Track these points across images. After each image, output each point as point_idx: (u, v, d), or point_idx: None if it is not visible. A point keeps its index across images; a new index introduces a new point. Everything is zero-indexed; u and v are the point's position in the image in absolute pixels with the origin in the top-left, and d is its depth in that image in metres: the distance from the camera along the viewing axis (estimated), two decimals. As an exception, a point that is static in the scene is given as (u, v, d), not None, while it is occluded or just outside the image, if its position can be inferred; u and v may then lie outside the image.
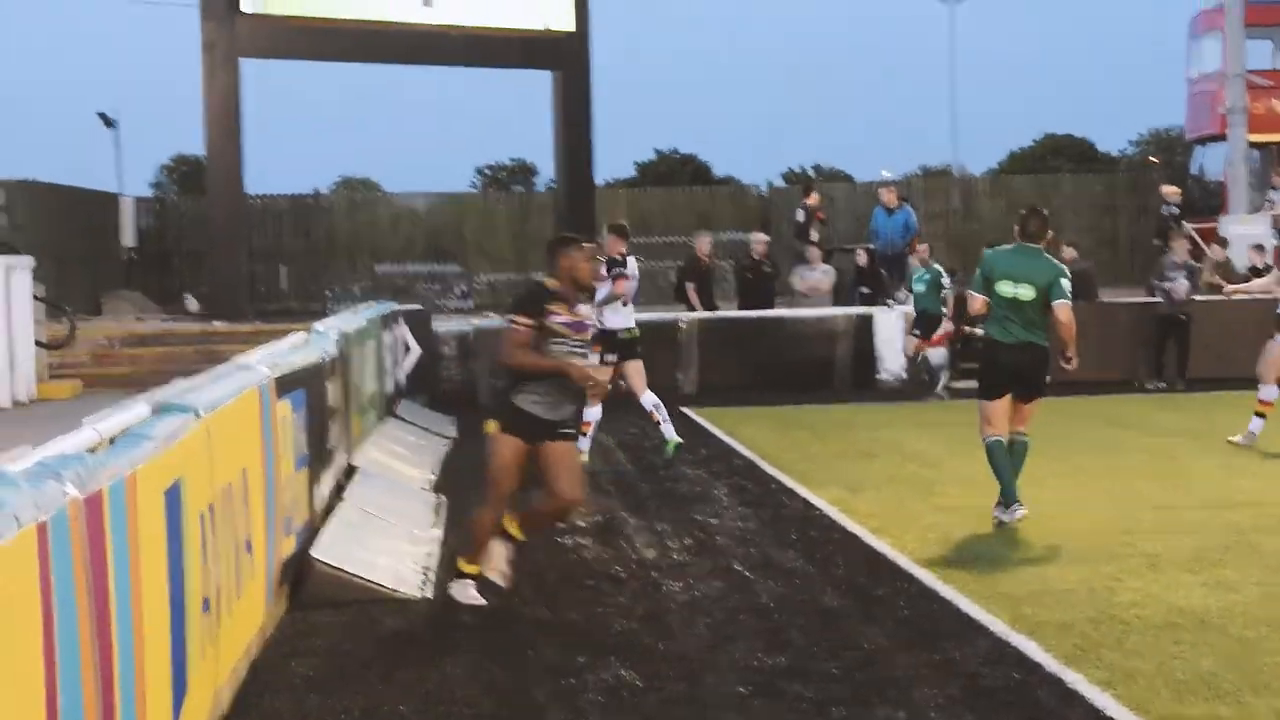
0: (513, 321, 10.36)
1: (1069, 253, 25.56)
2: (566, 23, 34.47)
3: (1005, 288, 13.08)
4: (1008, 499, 13.04)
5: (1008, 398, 13.23)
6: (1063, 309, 12.93)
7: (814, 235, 30.10)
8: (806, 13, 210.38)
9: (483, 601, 10.32)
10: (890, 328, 25.30)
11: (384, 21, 32.98)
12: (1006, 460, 13.12)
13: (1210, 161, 39.07)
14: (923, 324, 24.68)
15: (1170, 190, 33.19)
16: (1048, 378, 13.20)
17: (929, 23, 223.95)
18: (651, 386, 24.24)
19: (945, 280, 24.72)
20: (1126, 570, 11.10)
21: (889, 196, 30.51)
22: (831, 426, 20.34)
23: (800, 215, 31.13)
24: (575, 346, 10.41)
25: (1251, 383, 17.97)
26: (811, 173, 78.09)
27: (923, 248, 25.66)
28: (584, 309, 10.63)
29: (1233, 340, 23.14)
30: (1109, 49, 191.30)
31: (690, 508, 14.18)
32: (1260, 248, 29.80)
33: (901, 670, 8.68)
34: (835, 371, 25.17)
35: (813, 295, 27.59)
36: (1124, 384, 24.61)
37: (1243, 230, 30.70)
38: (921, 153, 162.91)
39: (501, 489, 10.41)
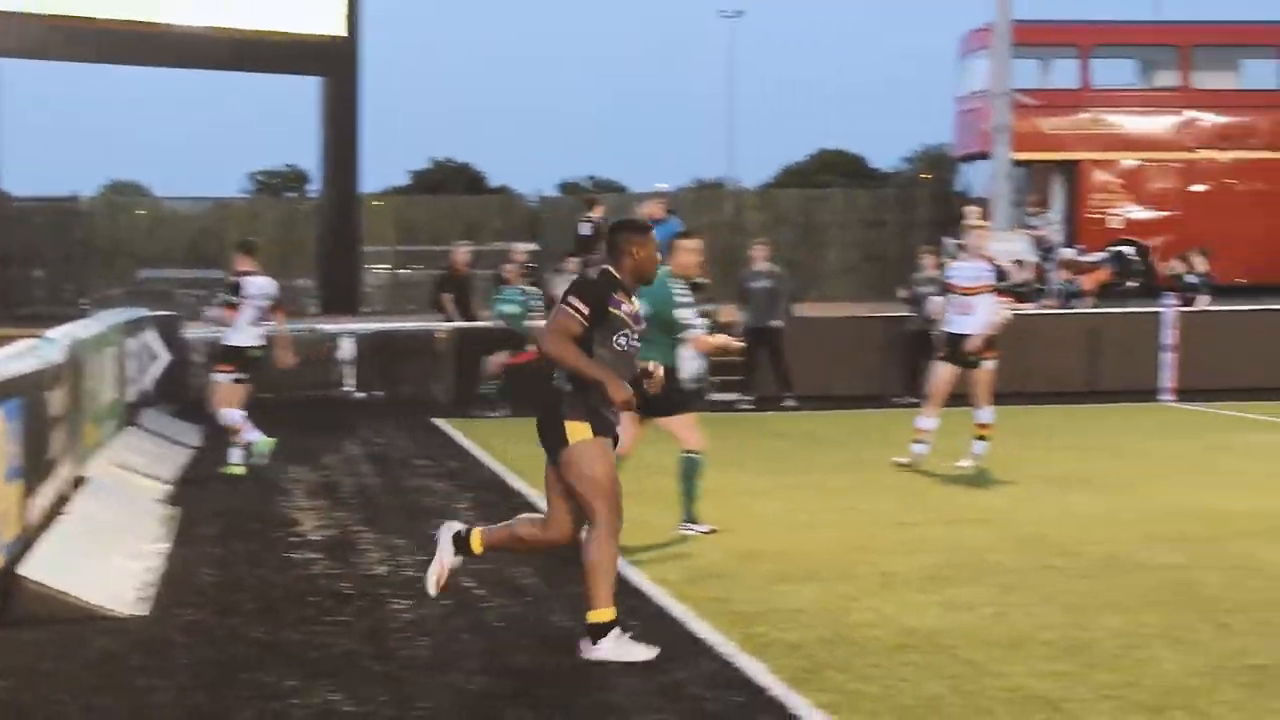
0: (567, 304, 9.02)
1: (765, 265, 25.47)
2: (337, 28, 34.09)
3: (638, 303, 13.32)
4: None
5: (632, 415, 13.38)
6: (690, 339, 13.30)
7: (601, 248, 29.85)
8: (587, 25, 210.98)
9: (653, 652, 9.09)
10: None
11: (146, 22, 32.40)
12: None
13: (975, 179, 39.47)
14: (506, 343, 24.12)
15: (972, 209, 33.46)
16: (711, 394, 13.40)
17: (709, 37, 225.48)
18: (406, 398, 24.01)
19: (536, 302, 24.53)
20: (862, 589, 11.00)
21: (655, 208, 30.34)
22: (585, 439, 20.11)
23: (587, 228, 30.85)
24: (635, 341, 9.29)
25: (1004, 400, 18.05)
26: (588, 184, 78.06)
27: (511, 267, 25.24)
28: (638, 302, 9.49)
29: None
30: (886, 66, 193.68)
31: (429, 522, 13.84)
32: (1020, 263, 30.16)
33: (624, 694, 8.44)
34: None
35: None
36: (877, 398, 24.64)
37: (1003, 247, 30.90)
38: (698, 166, 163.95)
39: (615, 502, 9.11)
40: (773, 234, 39.13)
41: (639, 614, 10.32)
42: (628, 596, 10.82)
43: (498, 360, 23.83)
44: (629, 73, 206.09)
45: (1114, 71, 41.33)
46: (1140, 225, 38.17)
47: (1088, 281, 31.69)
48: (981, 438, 17.07)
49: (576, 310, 9.00)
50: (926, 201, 45.52)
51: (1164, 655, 9.14)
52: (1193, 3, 47.46)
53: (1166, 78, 39.76)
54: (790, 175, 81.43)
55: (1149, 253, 36.73)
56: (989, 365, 17.24)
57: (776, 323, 24.47)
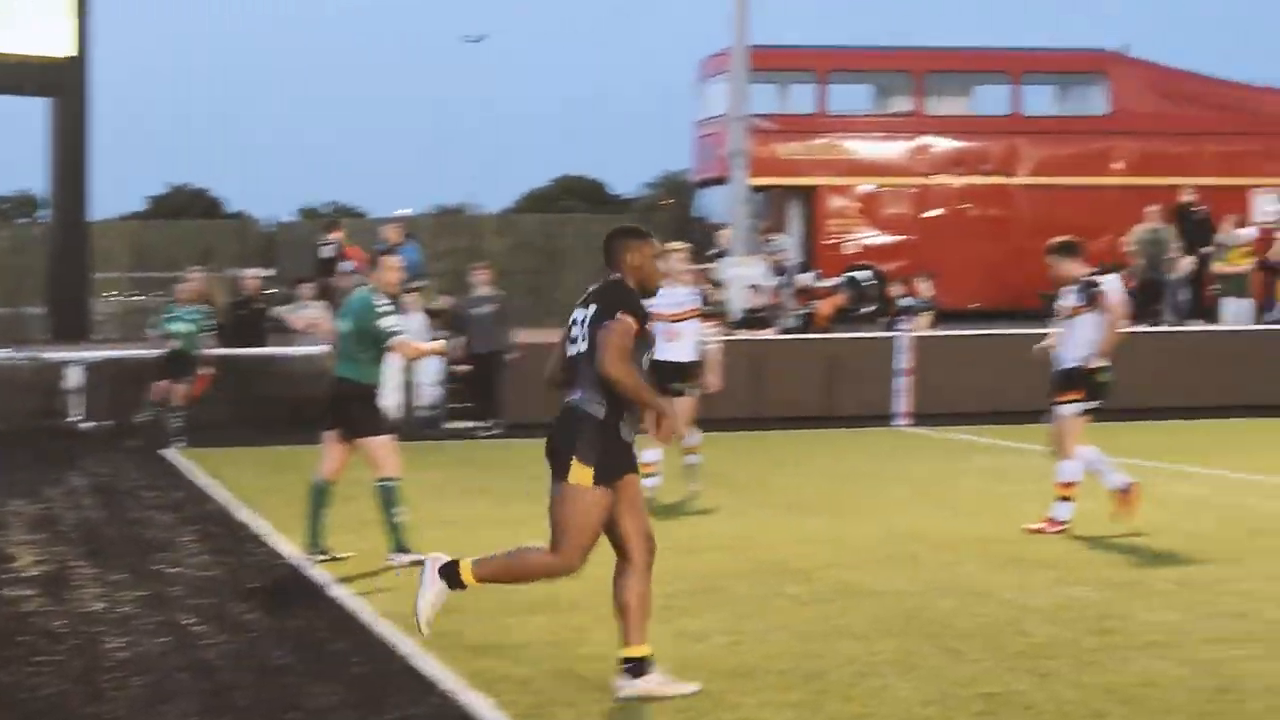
0: (624, 315, 8.43)
1: (487, 290, 25.29)
2: (65, 48, 33.27)
3: (338, 323, 13.51)
4: (310, 545, 13.28)
5: (336, 437, 13.36)
6: (397, 345, 13.32)
7: (345, 269, 29.50)
8: (329, 48, 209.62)
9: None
10: (393, 365, 24.76)
11: None
12: (320, 504, 13.34)
13: (713, 204, 39.50)
14: (177, 366, 23.45)
15: (723, 234, 33.53)
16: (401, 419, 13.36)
17: (452, 61, 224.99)
18: (137, 427, 23.43)
19: (208, 323, 24.15)
20: (593, 620, 10.81)
21: (392, 233, 30.10)
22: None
23: (329, 251, 30.55)
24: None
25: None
26: (329, 209, 77.44)
27: (184, 287, 24.61)
28: None
29: (736, 382, 22.85)
30: (631, 92, 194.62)
31: (150, 556, 13.49)
32: (756, 289, 30.21)
33: (345, 733, 8.21)
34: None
35: (311, 332, 26.92)
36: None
37: (740, 272, 31.00)
38: (440, 191, 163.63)
39: (576, 560, 8.97)
40: (514, 259, 39.08)
41: (364, 648, 10.07)
42: (351, 632, 10.57)
43: (173, 389, 23.15)
44: (371, 97, 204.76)
45: (850, 97, 41.68)
46: (876, 250, 38.39)
47: (824, 306, 31.85)
48: (691, 452, 17.03)
49: (632, 322, 8.51)
50: (665, 226, 45.55)
51: (896, 684, 9.06)
52: (928, 29, 48.11)
53: (901, 103, 40.11)
54: (532, 200, 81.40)
55: (885, 278, 36.97)
56: (694, 392, 17.05)
57: (509, 355, 24.39)
